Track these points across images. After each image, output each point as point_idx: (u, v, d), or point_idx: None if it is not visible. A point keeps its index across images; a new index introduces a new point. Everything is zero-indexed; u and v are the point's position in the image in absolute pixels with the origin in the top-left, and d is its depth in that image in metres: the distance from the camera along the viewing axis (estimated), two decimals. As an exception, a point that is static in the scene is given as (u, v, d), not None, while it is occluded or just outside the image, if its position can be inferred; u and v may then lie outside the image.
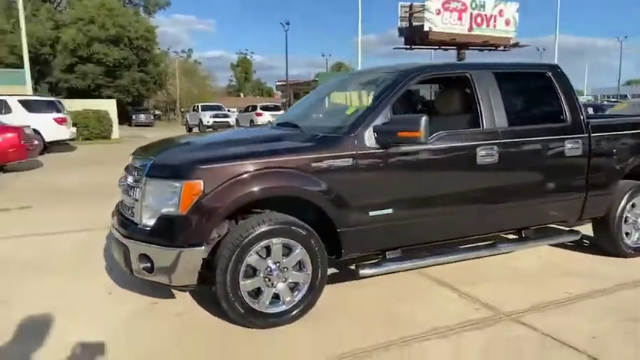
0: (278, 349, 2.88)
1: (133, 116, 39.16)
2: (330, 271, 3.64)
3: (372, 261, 3.52)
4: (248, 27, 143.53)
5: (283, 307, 3.13)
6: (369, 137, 3.29)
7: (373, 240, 3.43)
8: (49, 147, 14.55)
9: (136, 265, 3.01)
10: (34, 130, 13.33)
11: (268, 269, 3.07)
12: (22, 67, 30.82)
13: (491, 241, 4.03)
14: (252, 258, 3.01)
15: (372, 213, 3.33)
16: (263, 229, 2.99)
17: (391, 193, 3.41)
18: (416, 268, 3.81)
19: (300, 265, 3.18)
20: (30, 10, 37.93)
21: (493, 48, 38.12)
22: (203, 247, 2.91)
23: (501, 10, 36.63)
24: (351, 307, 3.47)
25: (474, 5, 35.66)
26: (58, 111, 14.84)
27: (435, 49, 38.60)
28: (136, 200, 3.09)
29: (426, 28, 33.62)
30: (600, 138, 4.13)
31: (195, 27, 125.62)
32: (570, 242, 4.77)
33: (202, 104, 30.71)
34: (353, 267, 3.54)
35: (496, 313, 3.34)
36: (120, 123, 33.19)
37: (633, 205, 4.45)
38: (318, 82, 45.99)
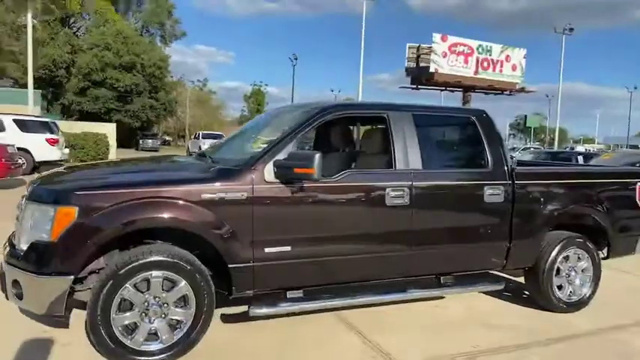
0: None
1: (141, 141, 39.71)
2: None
3: (267, 300, 3.40)
4: (266, 59, 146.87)
5: (160, 346, 3.01)
6: (269, 172, 3.23)
7: (269, 278, 3.32)
8: (39, 167, 14.72)
9: (9, 290, 2.94)
10: (24, 150, 13.59)
11: (146, 304, 2.97)
12: (35, 88, 31.79)
13: (401, 286, 3.85)
14: (128, 291, 2.92)
15: (267, 250, 3.24)
16: (141, 261, 2.91)
17: (290, 230, 3.32)
18: (316, 311, 3.67)
19: (184, 302, 3.08)
20: (49, 33, 39.27)
21: (499, 92, 38.58)
22: (72, 277, 2.82)
23: (508, 56, 37.20)
24: (239, 350, 3.33)
25: (480, 50, 36.29)
26: (52, 132, 15.07)
27: (442, 90, 39.13)
28: (20, 224, 3.05)
29: (431, 70, 34.13)
30: (525, 186, 4.02)
31: (215, 58, 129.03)
32: (508, 293, 4.63)
33: (204, 132, 31.19)
34: (247, 306, 3.40)
35: (387, 364, 3.18)
36: (127, 147, 33.55)
37: (566, 258, 4.28)
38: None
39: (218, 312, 3.70)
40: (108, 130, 21.44)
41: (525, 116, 52.31)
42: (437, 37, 34.38)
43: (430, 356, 3.31)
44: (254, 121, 5.05)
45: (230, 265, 3.15)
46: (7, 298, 2.99)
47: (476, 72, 35.65)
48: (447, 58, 34.82)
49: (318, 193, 3.38)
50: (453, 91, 41.02)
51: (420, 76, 35.78)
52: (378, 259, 3.60)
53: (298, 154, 3.21)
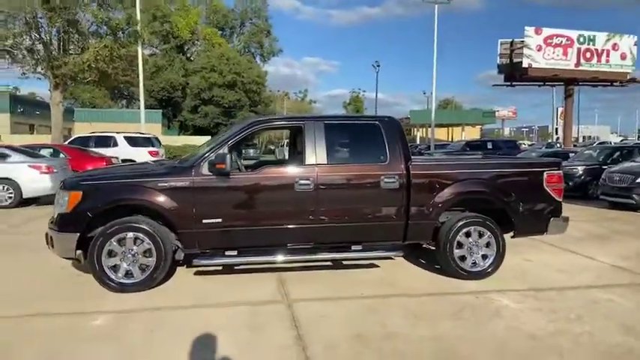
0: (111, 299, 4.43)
1: (243, 150, 43.81)
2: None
3: (207, 255, 4.91)
4: (368, 65, 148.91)
5: (133, 280, 4.69)
6: (205, 168, 4.77)
7: (207, 240, 4.83)
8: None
9: (49, 242, 4.83)
10: (131, 160, 16.77)
11: (124, 253, 4.67)
12: (156, 108, 37.06)
13: (314, 250, 5.10)
14: (112, 244, 4.64)
15: (204, 221, 4.76)
16: (119, 226, 4.62)
17: (221, 207, 4.80)
18: (243, 264, 5.10)
19: (149, 253, 4.72)
20: (167, 60, 45.33)
21: (607, 84, 35.69)
22: (78, 234, 4.61)
23: (615, 44, 34.38)
24: (193, 289, 4.88)
25: (581, 40, 34.05)
26: (153, 145, 18.22)
27: (539, 85, 37.14)
28: (58, 203, 4.97)
29: (525, 65, 32.83)
30: (419, 176, 5.02)
31: (320, 67, 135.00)
32: (438, 266, 5.51)
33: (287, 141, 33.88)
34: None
35: (283, 299, 4.51)
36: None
37: (468, 234, 5.15)
38: (411, 119, 46.93)
39: (191, 269, 5.32)
40: (204, 141, 24.68)
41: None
42: (530, 30, 33.06)
43: (318, 297, 4.55)
44: (224, 130, 6.67)
45: (178, 231, 4.74)
46: (48, 247, 4.89)
47: (577, 64, 33.47)
48: (543, 51, 33.19)
49: (241, 181, 4.85)
50: (553, 85, 38.84)
51: (514, 72, 34.47)
52: (290, 230, 4.91)
53: (219, 155, 4.69)
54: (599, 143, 37.08)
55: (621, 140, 55.58)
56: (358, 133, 5.29)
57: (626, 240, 7.37)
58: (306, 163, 4.93)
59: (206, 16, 50.14)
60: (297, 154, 5.48)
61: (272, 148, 56.39)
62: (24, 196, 10.50)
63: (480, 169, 5.26)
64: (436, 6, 26.79)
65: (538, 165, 5.46)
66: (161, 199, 4.67)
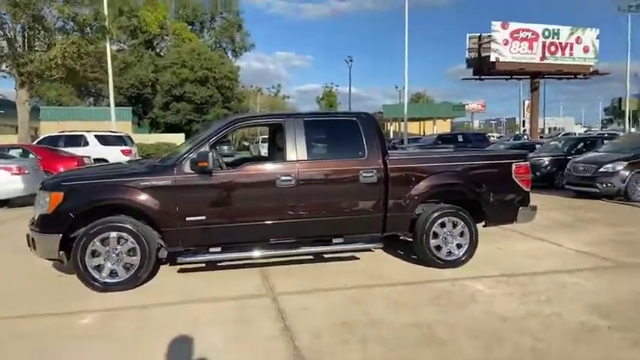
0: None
1: (217, 147, 43.41)
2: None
3: (191, 253, 4.99)
4: (341, 59, 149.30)
5: (118, 279, 4.72)
6: (187, 166, 4.82)
7: (190, 238, 4.90)
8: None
9: (30, 244, 4.80)
10: (103, 159, 16.48)
11: (107, 253, 4.69)
12: (125, 105, 36.37)
13: (296, 244, 5.24)
14: (95, 244, 4.65)
15: (188, 218, 4.83)
16: (101, 225, 4.64)
17: (204, 205, 4.87)
18: (226, 260, 5.19)
19: (133, 252, 4.75)
20: (135, 56, 44.41)
21: (571, 76, 36.92)
22: (60, 235, 4.61)
23: (578, 38, 35.56)
24: (176, 286, 4.94)
25: (546, 34, 35.10)
26: (125, 144, 17.94)
27: (506, 78, 38.09)
28: (38, 204, 4.94)
29: (492, 59, 33.70)
30: (396, 170, 5.21)
31: (293, 62, 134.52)
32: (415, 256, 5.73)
33: (263, 137, 33.75)
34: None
35: (268, 293, 4.63)
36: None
37: (442, 224, 5.38)
38: (383, 113, 47.44)
39: (176, 267, 5.39)
40: (178, 139, 24.47)
41: (620, 99, 48.51)
42: (496, 24, 33.88)
43: (303, 289, 4.69)
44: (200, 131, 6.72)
45: (162, 229, 4.79)
46: (30, 249, 4.86)
47: (542, 57, 34.53)
48: (509, 45, 34.12)
49: (223, 179, 4.93)
50: (520, 78, 39.94)
51: (482, 67, 35.30)
52: (272, 225, 5.03)
53: (202, 153, 4.75)
54: (564, 134, 38.47)
55: (585, 131, 57.57)
56: (337, 129, 5.43)
57: (590, 227, 7.77)
58: (287, 159, 5.05)
59: (175, 10, 49.28)
60: (277, 150, 5.59)
61: (246, 144, 56.28)
62: (-5, 199, 10.25)
63: (454, 162, 5.48)
64: (406, 0, 27.10)
65: (506, 157, 5.74)
66: (144, 198, 4.71)
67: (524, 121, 58.79)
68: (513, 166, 5.53)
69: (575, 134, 36.91)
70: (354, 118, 5.35)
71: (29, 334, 3.74)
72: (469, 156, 5.80)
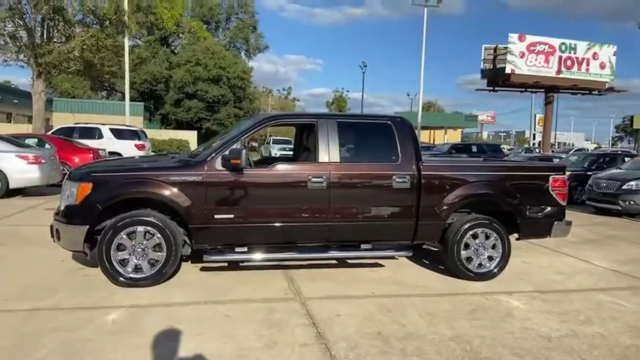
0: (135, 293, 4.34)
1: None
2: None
3: (218, 251, 4.86)
4: (354, 64, 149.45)
5: (142, 275, 4.59)
6: (219, 163, 4.70)
7: (218, 236, 4.78)
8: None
9: (55, 235, 4.70)
10: (117, 153, 16.43)
11: (133, 247, 4.57)
12: (138, 101, 36.43)
13: (324, 248, 5.09)
14: (122, 238, 4.54)
15: (216, 216, 4.70)
16: (129, 219, 4.53)
17: (233, 203, 4.75)
18: (251, 261, 5.02)
19: (159, 248, 4.63)
20: (150, 52, 44.56)
21: (586, 92, 36.62)
22: (87, 227, 4.49)
23: (595, 53, 35.26)
24: (203, 284, 4.82)
25: (563, 48, 34.84)
26: (139, 138, 17.90)
27: (521, 91, 37.84)
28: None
29: (507, 71, 33.42)
30: (430, 176, 5.06)
31: (304, 66, 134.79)
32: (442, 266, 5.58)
33: (274, 138, 33.63)
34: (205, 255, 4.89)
35: (295, 297, 4.49)
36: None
37: (475, 236, 5.22)
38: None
39: (198, 265, 5.27)
40: (190, 137, 24.46)
41: (632, 117, 47.97)
42: (513, 37, 33.67)
43: (330, 295, 4.55)
44: (232, 128, 6.60)
45: (190, 225, 4.67)
46: (53, 240, 4.75)
47: (558, 71, 34.24)
48: (525, 58, 33.88)
49: (254, 178, 4.80)
50: (534, 91, 39.67)
51: (496, 78, 35.06)
52: (301, 227, 4.90)
53: (234, 150, 4.63)
54: (577, 150, 38.15)
55: (595, 148, 57.18)
56: (370, 132, 5.30)
57: (617, 245, 7.59)
58: (319, 160, 4.92)
59: (192, 8, 49.45)
60: (305, 151, 5.44)
61: (254, 145, 56.33)
62: (10, 187, 10.17)
63: (489, 172, 5.33)
64: (425, 9, 26.99)
65: (544, 169, 5.57)
66: (173, 192, 4.59)
67: (534, 135, 58.46)
68: (551, 179, 5.37)
69: (586, 150, 36.54)
70: (389, 122, 5.21)
71: (59, 326, 3.62)
72: (505, 166, 5.65)
